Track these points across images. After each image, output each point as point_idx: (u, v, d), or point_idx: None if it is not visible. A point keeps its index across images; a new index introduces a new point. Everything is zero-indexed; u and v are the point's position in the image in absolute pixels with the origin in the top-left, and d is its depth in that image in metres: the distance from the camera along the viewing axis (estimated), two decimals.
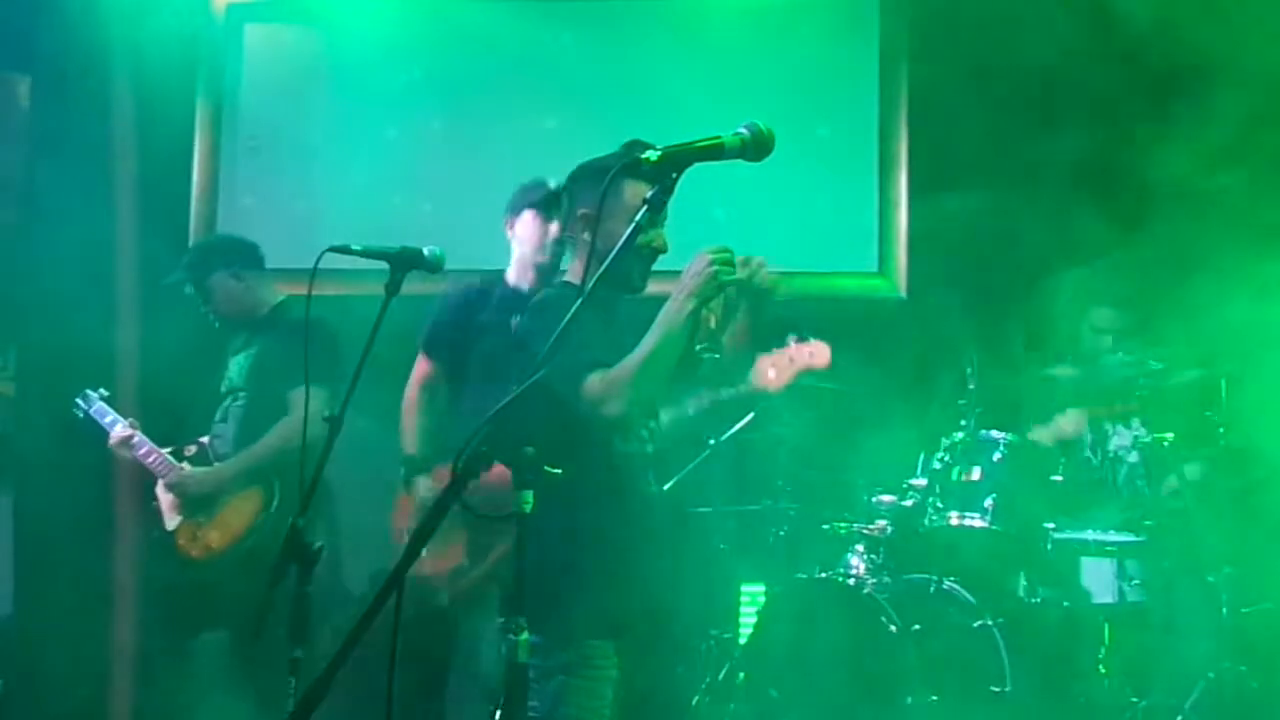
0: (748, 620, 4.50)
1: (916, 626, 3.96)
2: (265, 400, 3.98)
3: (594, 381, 2.64)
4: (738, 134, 2.17)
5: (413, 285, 2.56)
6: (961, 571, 4.16)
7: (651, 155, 2.15)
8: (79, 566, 4.67)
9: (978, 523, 4.18)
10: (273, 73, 5.36)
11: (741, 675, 4.20)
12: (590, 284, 2.14)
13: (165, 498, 4.05)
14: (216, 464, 4.03)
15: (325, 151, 5.20)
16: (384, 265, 2.55)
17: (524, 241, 3.94)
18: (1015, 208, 4.51)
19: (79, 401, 4.19)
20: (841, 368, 4.51)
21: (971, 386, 4.33)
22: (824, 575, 4.25)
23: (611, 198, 2.62)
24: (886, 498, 4.35)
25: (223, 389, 4.13)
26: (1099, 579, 4.10)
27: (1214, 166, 3.78)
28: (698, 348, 2.75)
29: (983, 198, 4.55)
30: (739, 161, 2.19)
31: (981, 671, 3.91)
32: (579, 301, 2.10)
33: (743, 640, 4.36)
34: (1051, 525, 4.17)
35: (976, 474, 4.24)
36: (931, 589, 4.10)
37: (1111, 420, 4.34)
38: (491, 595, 3.70)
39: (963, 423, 4.31)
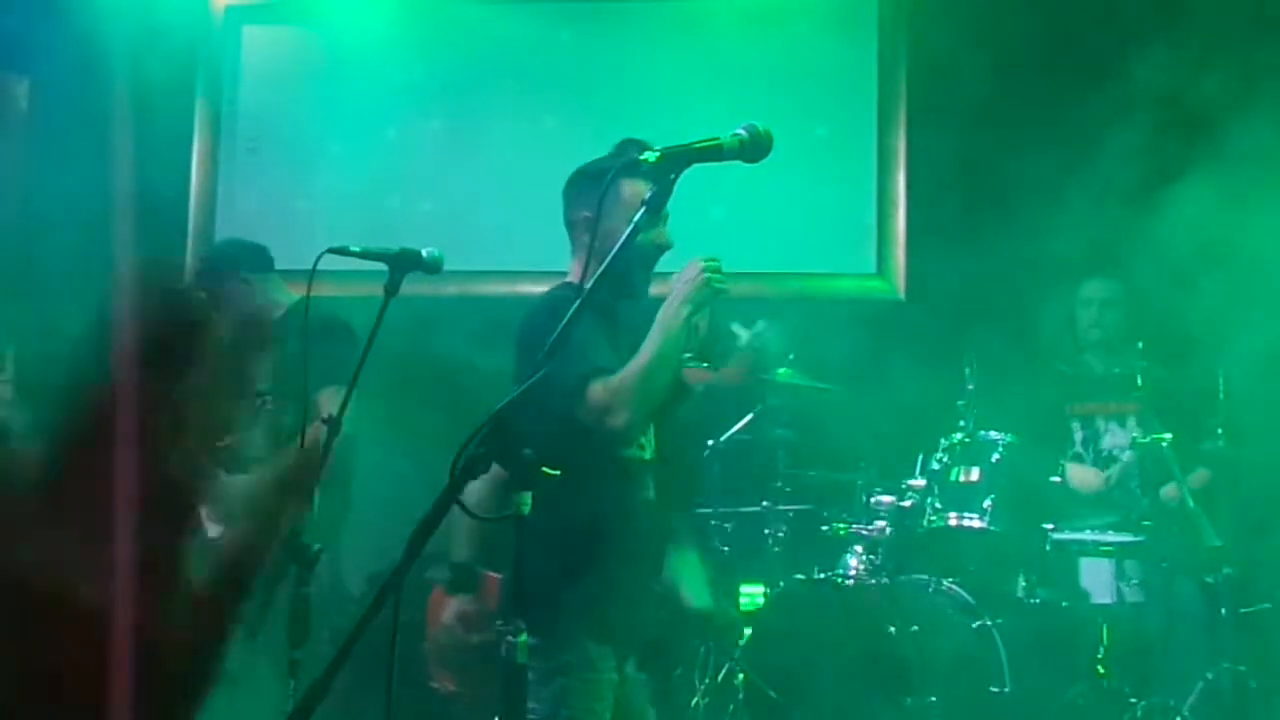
0: (746, 622, 4.50)
1: (915, 627, 3.96)
2: (291, 402, 3.95)
3: (597, 391, 2.63)
4: (736, 135, 2.17)
5: (412, 286, 2.56)
6: (960, 572, 4.16)
7: (650, 156, 2.15)
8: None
9: (976, 523, 4.18)
10: (271, 74, 5.36)
11: (740, 676, 4.20)
12: (590, 285, 2.14)
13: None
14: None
15: (324, 152, 5.20)
16: (383, 266, 2.55)
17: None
18: (1016, 207, 4.51)
19: None
20: (840, 369, 4.54)
21: (970, 387, 4.34)
22: (822, 576, 4.25)
23: (610, 199, 2.62)
24: (885, 498, 4.36)
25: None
26: (1097, 579, 4.10)
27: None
28: (685, 356, 2.75)
29: (982, 196, 4.56)
30: (737, 163, 2.19)
31: (980, 672, 3.91)
32: (577, 303, 2.10)
33: (743, 641, 4.36)
34: (1050, 526, 4.17)
35: (975, 475, 4.25)
36: (930, 590, 4.10)
37: (1105, 418, 4.34)
38: None
39: (961, 423, 4.32)
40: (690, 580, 3.28)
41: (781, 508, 4.55)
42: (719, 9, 5.14)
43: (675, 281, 2.72)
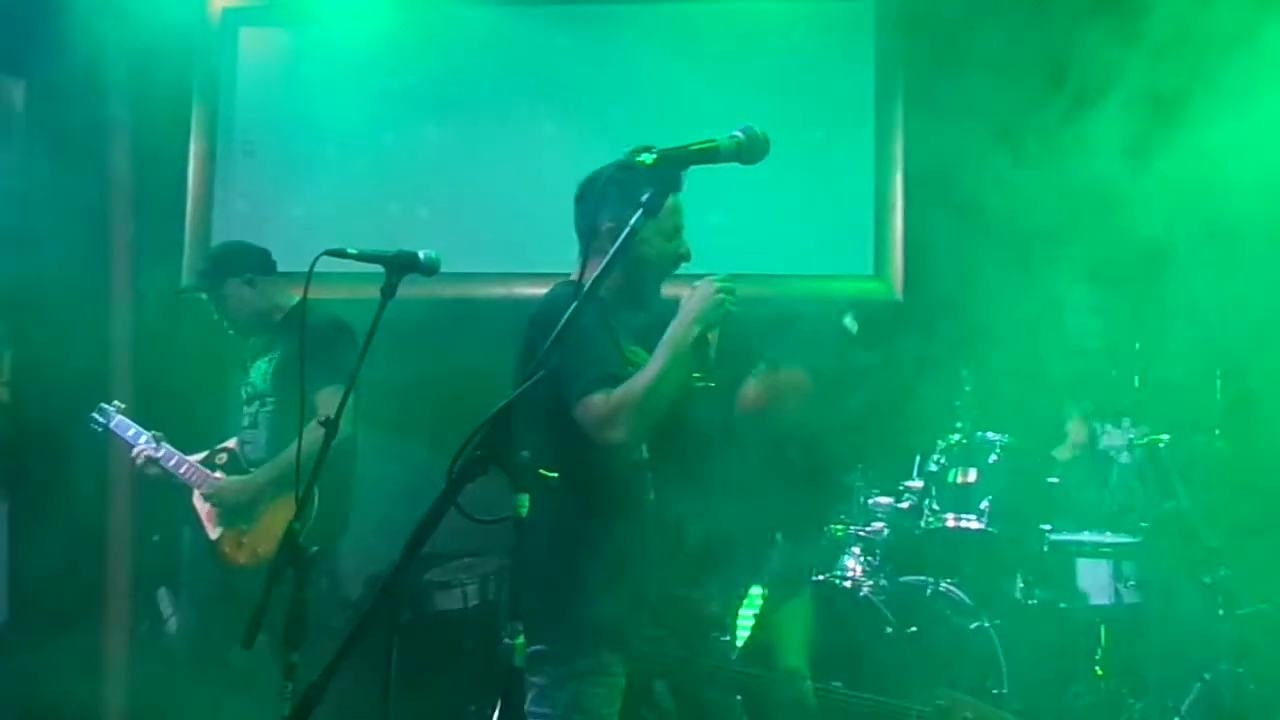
0: (746, 623, 4.50)
1: (913, 628, 3.97)
2: (294, 404, 3.93)
3: (598, 401, 2.60)
4: (733, 137, 2.17)
5: (408, 289, 2.55)
6: (958, 573, 4.17)
7: (647, 159, 2.15)
8: (75, 573, 4.66)
9: (974, 524, 4.19)
10: (268, 77, 5.35)
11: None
12: (590, 282, 2.13)
13: (203, 508, 4.03)
14: (252, 471, 4.01)
15: (321, 156, 5.19)
16: (379, 269, 2.54)
17: None
18: (1012, 209, 4.50)
19: (96, 416, 4.13)
20: (837, 370, 4.53)
21: (967, 388, 4.34)
22: (821, 578, 4.25)
23: (651, 212, 2.58)
24: (883, 500, 4.36)
25: (245, 395, 4.11)
26: (1095, 581, 4.11)
27: None
28: (694, 375, 2.74)
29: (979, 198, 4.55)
30: (735, 165, 2.19)
31: (978, 673, 3.91)
32: (576, 301, 2.09)
33: (740, 643, 4.35)
34: (1048, 527, 4.18)
35: (973, 476, 4.26)
36: (928, 591, 4.11)
37: (1101, 419, 4.35)
38: None
39: (958, 425, 4.32)
40: (791, 635, 3.23)
41: None
42: (716, 14, 5.15)
43: (687, 298, 2.70)
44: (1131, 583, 4.04)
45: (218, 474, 4.02)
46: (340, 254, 2.54)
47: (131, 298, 5.07)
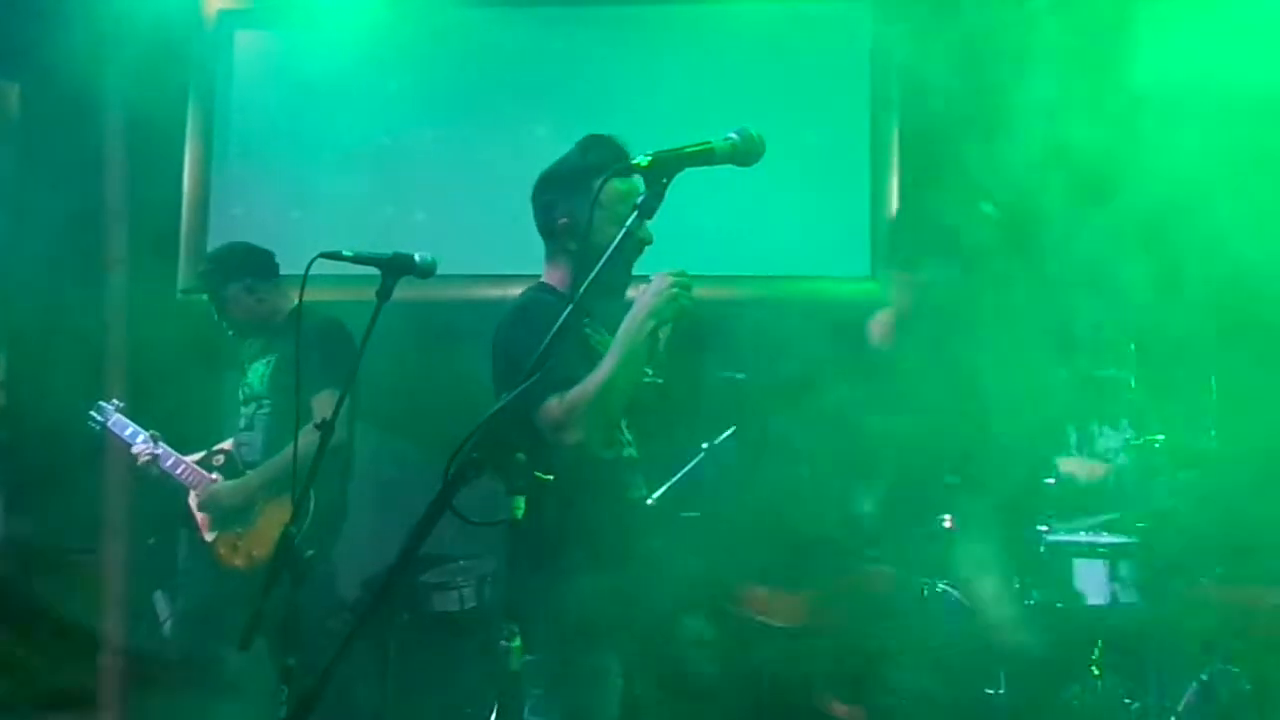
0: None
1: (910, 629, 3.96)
2: (290, 406, 3.93)
3: (553, 405, 2.59)
4: (728, 139, 2.17)
5: (404, 291, 2.55)
6: (955, 574, 4.15)
7: (642, 160, 2.15)
8: (70, 572, 4.65)
9: None
10: (264, 79, 5.35)
11: None
12: (580, 294, 2.13)
13: (199, 510, 4.02)
14: (247, 474, 4.00)
15: (316, 159, 5.19)
16: (376, 271, 2.54)
17: None
18: (1007, 211, 4.50)
19: (94, 414, 4.13)
20: (835, 371, 4.53)
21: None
22: None
23: (599, 205, 2.61)
24: None
25: (242, 396, 4.10)
26: (1092, 581, 4.09)
27: None
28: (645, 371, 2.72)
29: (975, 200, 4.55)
30: (731, 167, 2.19)
31: (976, 674, 3.91)
32: (566, 312, 2.09)
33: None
34: (1045, 528, 4.17)
35: None
36: (924, 592, 4.10)
37: (1099, 421, 4.34)
38: None
39: None
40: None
41: None
42: (712, 16, 5.15)
43: (641, 294, 2.69)
44: (1128, 583, 4.03)
45: (214, 475, 4.02)
46: (336, 256, 2.54)
47: (128, 299, 5.06)
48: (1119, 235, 4.19)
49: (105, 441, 4.18)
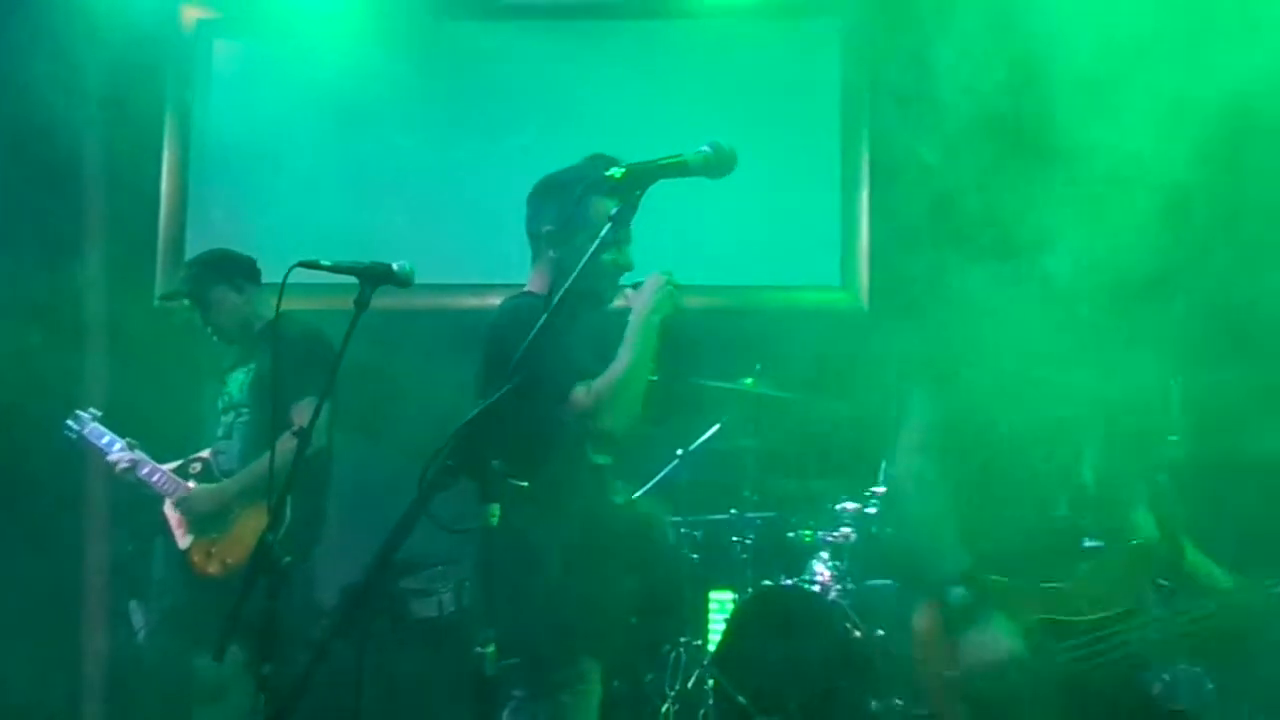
0: (716, 627, 4.51)
1: (880, 632, 3.98)
2: (268, 415, 3.91)
3: (580, 394, 2.66)
4: (700, 152, 2.19)
5: (382, 300, 2.55)
6: None
7: (616, 172, 2.16)
8: (47, 581, 4.60)
9: None
10: (242, 87, 5.32)
11: (710, 681, 4.21)
12: (556, 298, 2.14)
13: (173, 516, 3.98)
14: (222, 480, 3.98)
15: (294, 167, 5.17)
16: (354, 280, 2.54)
17: None
18: (976, 221, 4.53)
19: (70, 423, 4.06)
20: (805, 379, 4.56)
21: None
22: (790, 582, 4.26)
23: (579, 215, 2.64)
24: (849, 505, 4.38)
25: (221, 405, 4.07)
26: None
27: None
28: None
29: (944, 210, 4.58)
30: (706, 179, 2.20)
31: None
32: (545, 316, 2.10)
33: (712, 647, 4.37)
34: None
35: None
36: (895, 594, 4.12)
37: None
38: None
39: None
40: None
41: (749, 515, 4.56)
42: (687, 32, 5.17)
43: (640, 293, 2.78)
44: None
45: (190, 483, 3.99)
46: (314, 265, 2.53)
47: (105, 306, 5.03)
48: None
49: (83, 450, 4.13)
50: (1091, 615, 2.60)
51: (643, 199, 2.21)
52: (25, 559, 4.51)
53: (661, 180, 2.18)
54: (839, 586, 4.20)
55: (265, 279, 4.16)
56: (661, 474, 4.55)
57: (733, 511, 4.58)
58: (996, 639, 2.53)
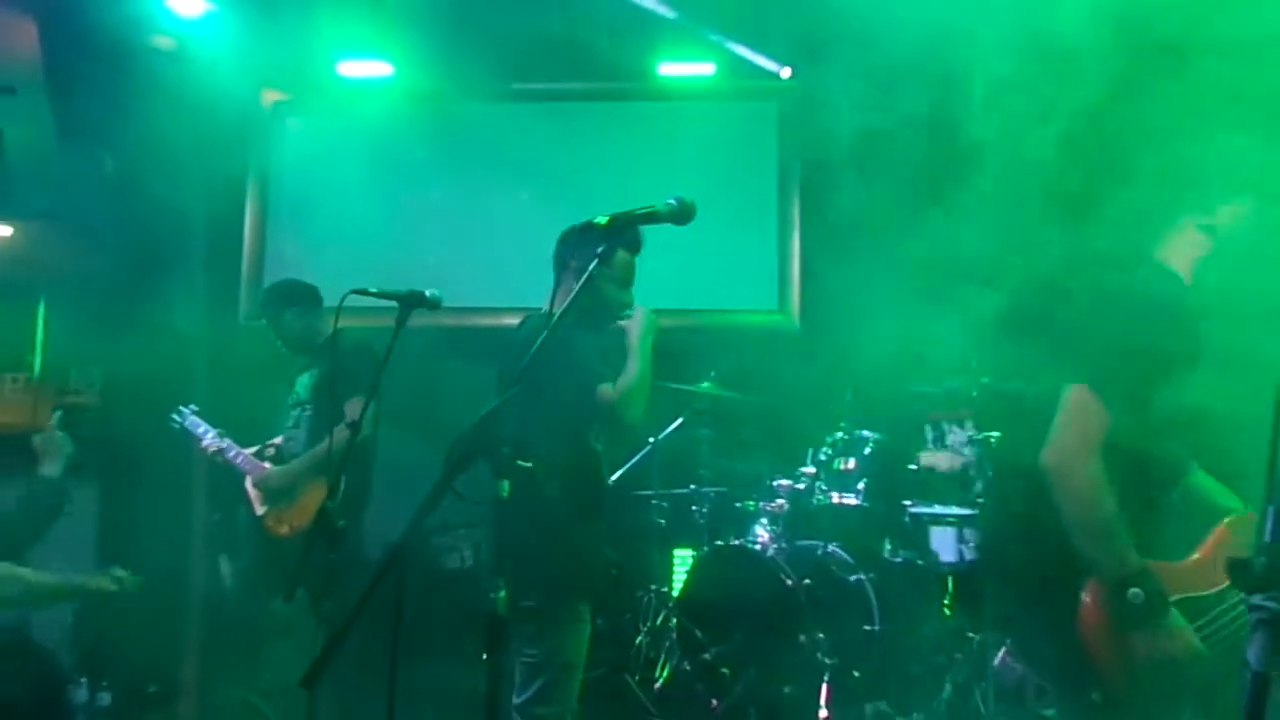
0: (680, 578, 4.51)
1: (807, 580, 3.99)
2: (327, 410, 3.92)
3: (607, 391, 2.71)
4: (668, 203, 2.19)
5: (417, 320, 2.55)
6: (842, 538, 4.19)
7: (601, 219, 2.17)
8: (156, 555, 4.55)
9: (853, 501, 4.23)
10: (308, 153, 5.33)
11: (675, 620, 4.20)
12: (560, 311, 2.16)
13: (252, 490, 3.98)
14: (291, 461, 3.97)
15: (350, 214, 5.16)
16: (394, 304, 2.53)
17: None
18: (891, 257, 4.52)
19: (174, 416, 4.08)
20: (749, 383, 4.56)
21: (848, 398, 4.39)
22: (737, 542, 4.27)
23: (604, 261, 2.64)
24: (784, 482, 4.39)
25: (290, 402, 4.08)
26: (944, 543, 4.15)
27: None
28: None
29: (860, 248, 4.57)
30: (670, 225, 2.21)
31: (857, 614, 3.94)
32: (550, 325, 2.11)
33: (676, 593, 4.36)
34: (909, 503, 4.22)
35: (852, 464, 4.29)
36: (819, 552, 4.14)
37: (949, 422, 4.39)
38: None
39: (842, 425, 4.37)
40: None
41: (705, 490, 4.57)
42: (655, 109, 5.21)
43: (634, 321, 2.87)
44: (971, 545, 4.09)
45: (266, 464, 3.97)
46: (364, 292, 2.54)
47: (204, 325, 5.03)
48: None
49: (185, 436, 4.13)
50: (1209, 591, 2.12)
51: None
52: (146, 522, 4.50)
53: (638, 225, 2.19)
54: (775, 545, 4.21)
55: (326, 302, 4.15)
56: (637, 457, 4.55)
57: (692, 487, 4.58)
58: (1178, 636, 2.07)
